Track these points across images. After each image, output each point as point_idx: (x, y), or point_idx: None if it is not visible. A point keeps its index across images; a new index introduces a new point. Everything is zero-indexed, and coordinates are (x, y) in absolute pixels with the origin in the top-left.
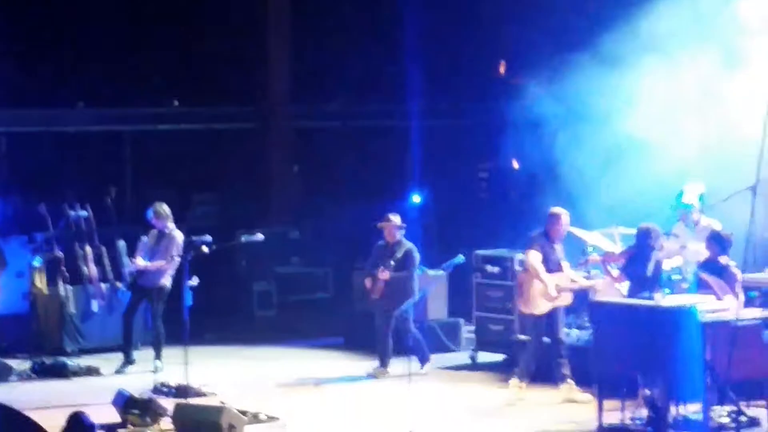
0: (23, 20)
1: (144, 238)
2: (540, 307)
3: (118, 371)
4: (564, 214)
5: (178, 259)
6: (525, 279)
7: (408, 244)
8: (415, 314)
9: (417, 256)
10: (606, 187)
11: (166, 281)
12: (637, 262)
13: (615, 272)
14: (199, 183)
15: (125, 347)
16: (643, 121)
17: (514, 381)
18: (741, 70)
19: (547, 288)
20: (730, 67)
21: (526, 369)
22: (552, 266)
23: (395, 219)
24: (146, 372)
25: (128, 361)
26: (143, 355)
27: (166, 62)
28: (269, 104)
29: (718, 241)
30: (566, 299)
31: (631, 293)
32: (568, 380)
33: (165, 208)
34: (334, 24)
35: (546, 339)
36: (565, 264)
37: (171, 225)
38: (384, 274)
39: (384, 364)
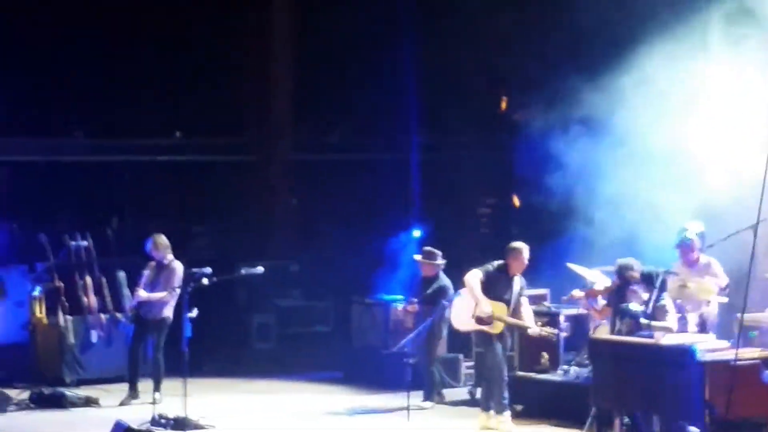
0: (22, 50)
1: (146, 271)
2: (462, 324)
3: (123, 403)
4: (524, 249)
5: (178, 290)
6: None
7: (444, 281)
8: (415, 350)
9: (450, 292)
10: (607, 226)
11: (168, 313)
12: (619, 295)
13: (601, 303)
14: (198, 215)
15: (131, 380)
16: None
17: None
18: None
19: (477, 306)
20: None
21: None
22: (495, 295)
23: (431, 254)
24: (145, 403)
25: (133, 395)
26: (142, 386)
27: (166, 93)
28: (269, 136)
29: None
30: (495, 328)
31: (612, 326)
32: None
33: (163, 240)
34: (337, 57)
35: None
36: (524, 299)
37: (170, 256)
38: (413, 307)
39: (428, 396)
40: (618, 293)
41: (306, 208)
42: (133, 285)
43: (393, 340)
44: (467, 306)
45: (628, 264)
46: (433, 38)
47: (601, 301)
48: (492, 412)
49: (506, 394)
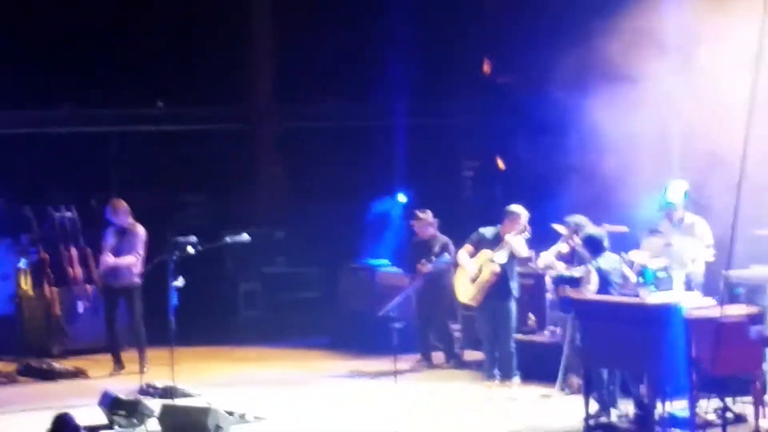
0: (8, 22)
1: (108, 238)
2: (466, 294)
3: (112, 374)
4: (520, 213)
5: (143, 253)
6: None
7: (444, 238)
8: (403, 313)
9: (453, 249)
10: (590, 185)
11: (137, 278)
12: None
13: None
14: (186, 184)
15: (114, 351)
16: (627, 117)
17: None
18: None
19: (467, 270)
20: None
21: (487, 366)
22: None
23: (425, 215)
24: (132, 373)
25: (119, 366)
26: (126, 356)
27: (153, 63)
28: (255, 105)
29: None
30: (486, 274)
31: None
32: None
33: (123, 204)
34: (320, 24)
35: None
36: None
37: (131, 220)
38: (426, 267)
39: (452, 355)
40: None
41: (291, 175)
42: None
43: (380, 305)
44: (464, 278)
45: (576, 223)
46: (419, 3)
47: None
48: (496, 380)
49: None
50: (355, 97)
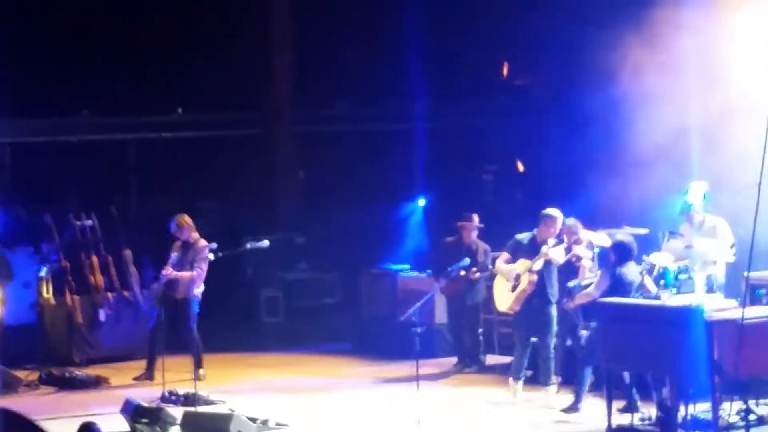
0: (26, 29)
1: (173, 252)
2: (500, 304)
3: (137, 379)
4: (556, 217)
5: (206, 269)
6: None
7: (484, 245)
8: (423, 318)
9: (491, 256)
10: (612, 189)
11: (196, 291)
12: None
13: None
14: (204, 190)
15: (151, 359)
16: (648, 123)
17: (510, 382)
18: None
19: (506, 279)
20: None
21: (515, 369)
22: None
23: (475, 219)
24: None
25: (150, 375)
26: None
27: (170, 70)
28: (273, 110)
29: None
30: (524, 283)
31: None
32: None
33: (187, 219)
34: (337, 28)
35: (534, 339)
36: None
37: (195, 235)
38: (475, 275)
39: (475, 360)
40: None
41: (311, 180)
42: (139, 264)
43: (401, 310)
44: (502, 287)
45: (570, 226)
46: (435, 6)
47: None
48: (521, 383)
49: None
50: (373, 101)
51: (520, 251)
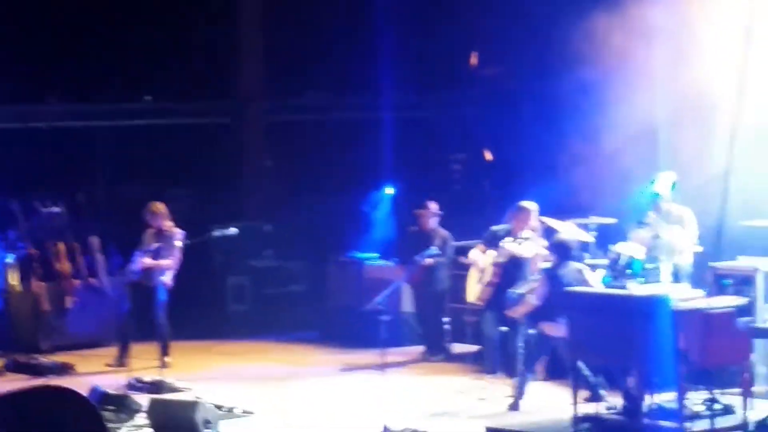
0: None
1: (146, 239)
2: (469, 294)
3: (110, 365)
4: (529, 210)
5: (179, 257)
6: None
7: (444, 232)
8: (389, 306)
9: (452, 243)
10: (580, 177)
11: (169, 279)
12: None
13: None
14: (172, 178)
15: (124, 346)
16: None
17: (486, 378)
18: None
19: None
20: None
21: (487, 361)
22: (513, 263)
23: (433, 206)
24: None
25: (123, 361)
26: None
27: (138, 57)
28: (242, 98)
29: (555, 250)
30: (487, 276)
31: None
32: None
33: (161, 207)
34: (307, 17)
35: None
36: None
37: (169, 223)
38: (428, 261)
39: (441, 349)
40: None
41: (279, 168)
42: (106, 251)
43: (368, 298)
44: (474, 277)
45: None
46: None
47: None
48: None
49: None
50: (342, 90)
51: (495, 243)
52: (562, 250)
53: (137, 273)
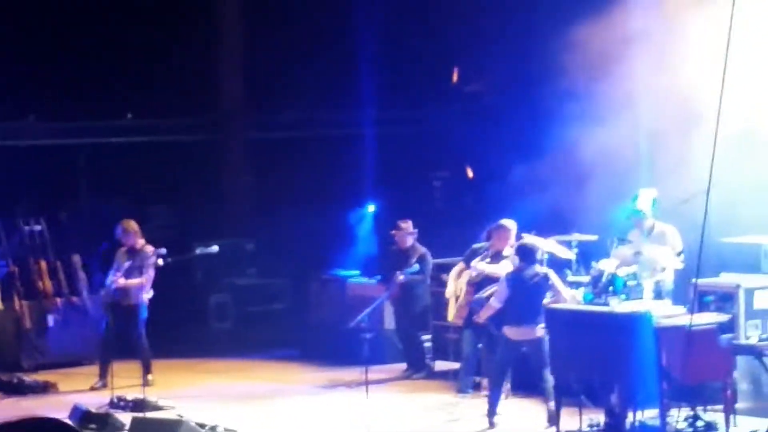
0: None
1: (118, 257)
2: (449, 313)
3: (93, 388)
4: (508, 228)
5: (152, 274)
6: None
7: (422, 249)
8: (372, 324)
9: (431, 260)
10: (562, 195)
11: (144, 297)
12: None
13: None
14: (153, 195)
15: (104, 365)
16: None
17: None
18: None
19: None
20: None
21: (462, 381)
22: (488, 281)
23: (406, 225)
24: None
25: (104, 381)
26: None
27: (120, 75)
28: (222, 115)
29: (518, 254)
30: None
31: None
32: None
33: (133, 224)
34: (287, 33)
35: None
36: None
37: (141, 240)
38: (399, 278)
39: (422, 366)
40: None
41: (261, 186)
42: (89, 269)
43: (350, 316)
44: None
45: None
46: (386, 12)
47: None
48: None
49: None
50: (323, 107)
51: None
52: (526, 254)
53: (112, 293)
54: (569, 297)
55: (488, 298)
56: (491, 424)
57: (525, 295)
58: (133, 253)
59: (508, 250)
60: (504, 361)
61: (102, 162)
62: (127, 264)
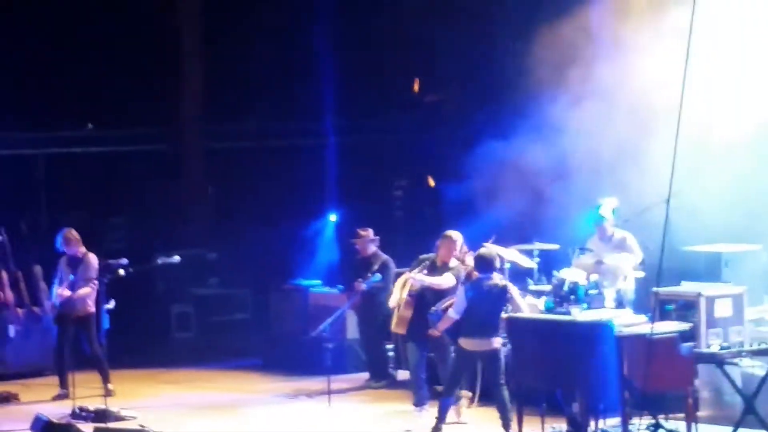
0: None
1: (60, 268)
2: (392, 324)
3: (58, 398)
4: (453, 238)
5: (97, 282)
6: None
7: (384, 256)
8: (334, 333)
9: (393, 268)
10: (523, 205)
11: (92, 306)
12: None
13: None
14: (115, 205)
15: (62, 377)
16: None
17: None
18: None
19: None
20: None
21: (415, 394)
22: (431, 293)
23: (366, 233)
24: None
25: (65, 392)
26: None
27: (79, 85)
28: (182, 125)
29: (476, 265)
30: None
31: None
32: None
33: (74, 234)
34: (246, 43)
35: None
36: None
37: (83, 249)
38: (361, 286)
39: (384, 375)
40: None
41: (222, 195)
42: (49, 280)
43: (312, 325)
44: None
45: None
46: (346, 21)
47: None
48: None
49: None
50: (284, 117)
51: (425, 271)
52: (483, 265)
53: (59, 305)
54: (527, 309)
55: (445, 310)
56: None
57: (483, 306)
58: (76, 262)
59: (454, 262)
60: (458, 372)
61: (61, 172)
62: (72, 276)
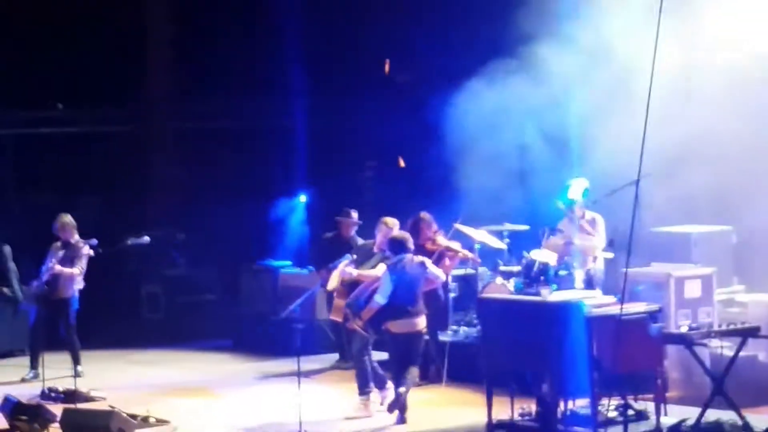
0: None
1: (53, 251)
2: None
3: (24, 380)
4: (389, 224)
5: (85, 269)
6: None
7: (360, 240)
8: (304, 314)
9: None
10: (494, 186)
11: (75, 291)
12: None
13: None
14: (83, 186)
15: (34, 358)
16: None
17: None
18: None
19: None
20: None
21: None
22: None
23: (354, 215)
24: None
25: (36, 373)
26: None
27: (47, 65)
28: (149, 105)
29: (390, 247)
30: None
31: None
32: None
33: (70, 219)
34: (215, 23)
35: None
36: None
37: (77, 236)
38: (351, 269)
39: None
40: None
41: (190, 176)
42: (21, 259)
43: (282, 306)
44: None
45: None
46: (316, 1)
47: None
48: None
49: None
50: (252, 97)
51: (361, 257)
52: (396, 246)
53: (42, 286)
54: (443, 276)
55: (368, 299)
56: (391, 411)
57: (405, 286)
58: (67, 246)
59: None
60: (397, 357)
61: (30, 153)
62: (60, 253)
